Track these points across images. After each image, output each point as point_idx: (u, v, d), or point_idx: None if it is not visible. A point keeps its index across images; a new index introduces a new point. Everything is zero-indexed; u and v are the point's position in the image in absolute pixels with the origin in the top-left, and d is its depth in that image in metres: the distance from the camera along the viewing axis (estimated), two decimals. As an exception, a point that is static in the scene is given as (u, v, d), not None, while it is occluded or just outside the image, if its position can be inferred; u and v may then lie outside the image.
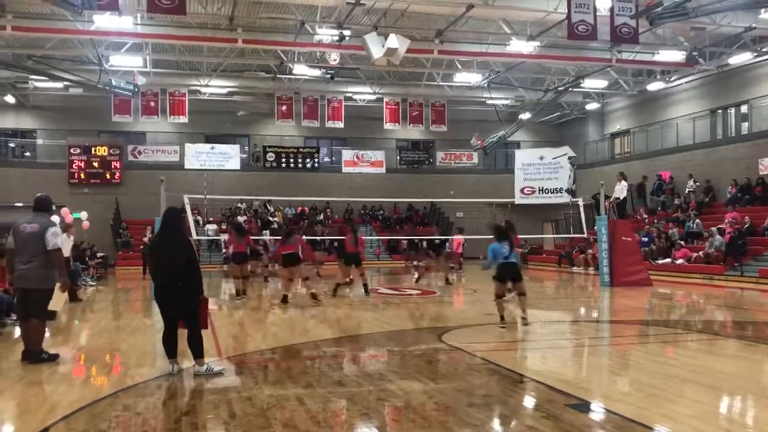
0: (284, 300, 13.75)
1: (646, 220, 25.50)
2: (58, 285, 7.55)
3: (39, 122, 31.24)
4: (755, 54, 23.03)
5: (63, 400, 6.02)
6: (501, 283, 10.48)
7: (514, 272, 10.41)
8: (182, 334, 7.03)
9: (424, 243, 22.24)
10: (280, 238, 16.34)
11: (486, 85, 28.00)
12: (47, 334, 8.62)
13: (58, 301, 7.65)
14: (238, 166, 31.69)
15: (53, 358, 7.71)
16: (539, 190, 24.69)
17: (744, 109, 25.58)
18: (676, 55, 23.50)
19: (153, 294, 7.87)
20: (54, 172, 29.12)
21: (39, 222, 7.66)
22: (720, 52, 23.51)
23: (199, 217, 24.72)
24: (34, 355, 7.60)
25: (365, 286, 15.64)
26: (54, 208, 8.62)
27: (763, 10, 19.27)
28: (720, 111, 26.78)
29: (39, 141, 31.20)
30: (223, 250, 26.87)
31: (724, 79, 25.57)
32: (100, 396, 6.10)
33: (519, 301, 10.56)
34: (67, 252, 14.68)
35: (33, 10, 19.79)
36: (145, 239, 22.97)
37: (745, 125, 25.61)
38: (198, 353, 6.97)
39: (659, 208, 26.81)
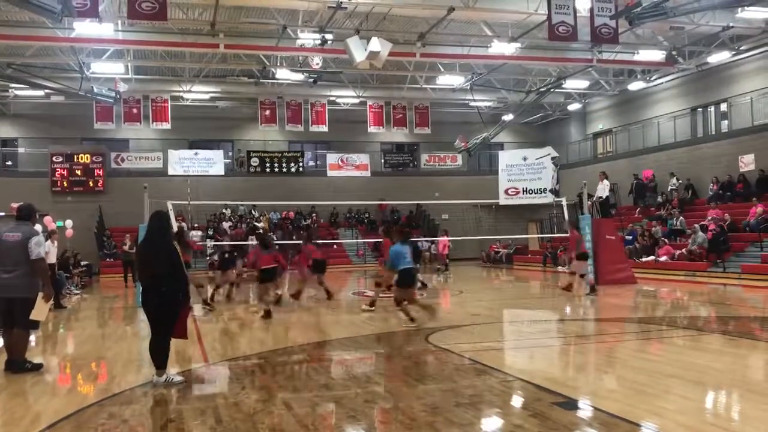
0: None
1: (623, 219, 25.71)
2: (40, 295, 7.48)
3: (20, 131, 30.96)
4: (733, 53, 23.32)
5: (47, 409, 5.97)
6: (406, 290, 10.82)
7: (414, 278, 11.14)
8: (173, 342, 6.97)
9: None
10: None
11: (469, 87, 28.12)
12: (31, 343, 8.54)
13: (41, 310, 7.56)
14: (222, 172, 31.47)
15: (37, 367, 7.64)
16: (523, 190, 24.79)
17: (724, 107, 25.88)
18: (656, 55, 23.75)
19: (138, 300, 7.81)
20: (36, 181, 28.81)
21: (21, 231, 7.59)
22: (699, 51, 23.78)
23: (183, 224, 24.58)
24: (18, 365, 7.52)
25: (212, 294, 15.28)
26: (38, 216, 8.52)
27: (739, 9, 19.52)
28: (700, 109, 27.08)
29: (21, 150, 30.89)
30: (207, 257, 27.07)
31: (704, 77, 25.86)
32: (85, 404, 6.05)
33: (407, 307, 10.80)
34: (52, 259, 14.53)
35: (12, 17, 19.63)
36: (125, 247, 22.59)
37: (725, 123, 25.90)
38: (161, 363, 6.77)
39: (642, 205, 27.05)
